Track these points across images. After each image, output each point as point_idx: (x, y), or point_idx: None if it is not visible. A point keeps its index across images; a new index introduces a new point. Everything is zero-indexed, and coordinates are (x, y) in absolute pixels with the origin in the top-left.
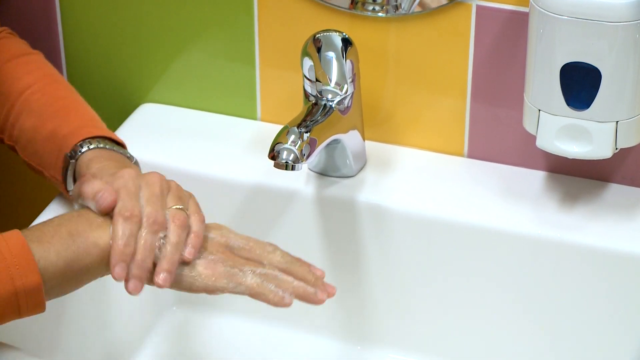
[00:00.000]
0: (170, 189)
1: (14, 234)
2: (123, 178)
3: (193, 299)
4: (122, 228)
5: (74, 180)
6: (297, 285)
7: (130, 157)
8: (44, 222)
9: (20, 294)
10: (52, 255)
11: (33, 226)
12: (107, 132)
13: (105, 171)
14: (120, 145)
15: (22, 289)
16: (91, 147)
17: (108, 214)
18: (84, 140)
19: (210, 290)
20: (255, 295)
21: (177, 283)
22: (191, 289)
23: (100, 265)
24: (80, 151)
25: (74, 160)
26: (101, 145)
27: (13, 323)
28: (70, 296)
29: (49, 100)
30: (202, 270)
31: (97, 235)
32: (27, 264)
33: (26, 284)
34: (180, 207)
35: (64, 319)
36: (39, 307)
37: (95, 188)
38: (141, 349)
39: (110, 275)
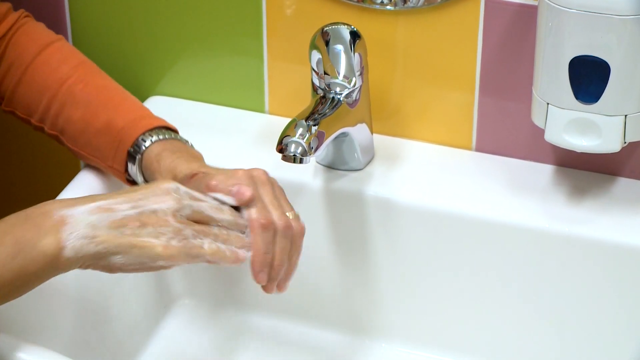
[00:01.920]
0: (276, 187)
1: None
2: (240, 179)
3: (201, 293)
4: (262, 237)
5: (141, 172)
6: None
7: (186, 142)
8: None
9: None
10: None
11: None
12: (161, 121)
13: (190, 165)
14: (174, 131)
15: None
16: (153, 140)
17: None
18: (143, 133)
19: (169, 266)
20: (213, 262)
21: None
22: (151, 268)
23: (50, 270)
24: (144, 146)
25: (139, 155)
26: (161, 137)
27: (19, 318)
28: (78, 290)
29: (93, 91)
30: (161, 251)
31: (45, 242)
32: None
33: None
34: (295, 214)
35: (72, 312)
36: None
37: (228, 183)
38: (150, 342)
39: (114, 271)
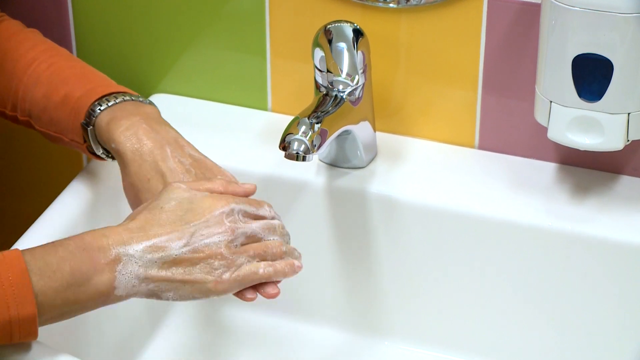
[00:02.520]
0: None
1: (15, 258)
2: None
3: None
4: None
5: (97, 143)
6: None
7: (143, 101)
8: (48, 249)
9: (14, 323)
10: (51, 292)
11: (36, 251)
12: (119, 87)
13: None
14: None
15: (17, 318)
16: (102, 108)
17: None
18: (96, 100)
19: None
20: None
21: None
22: (205, 298)
23: (100, 304)
24: (94, 115)
25: (91, 127)
26: (111, 103)
27: None
28: None
29: (56, 70)
30: (212, 287)
31: (99, 280)
32: (25, 294)
33: (21, 314)
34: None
35: None
36: (32, 336)
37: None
38: (152, 340)
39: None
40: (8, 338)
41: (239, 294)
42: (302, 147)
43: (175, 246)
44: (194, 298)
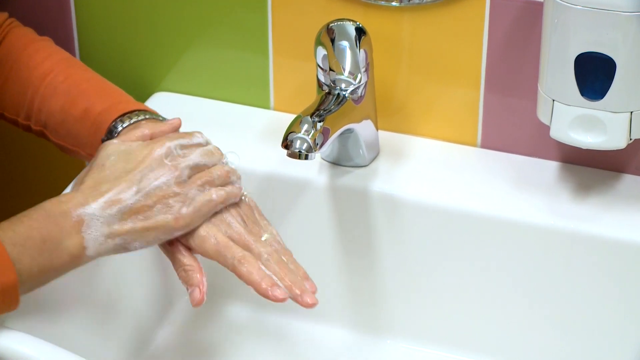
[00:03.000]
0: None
1: None
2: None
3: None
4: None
5: None
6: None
7: (163, 120)
8: (13, 221)
9: None
10: (27, 259)
11: (3, 225)
12: (139, 105)
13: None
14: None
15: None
16: (125, 125)
17: None
18: (119, 117)
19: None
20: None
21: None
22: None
23: (73, 266)
24: (116, 132)
25: None
26: (133, 120)
27: (27, 311)
28: (83, 285)
29: (74, 82)
30: (174, 224)
31: (69, 243)
32: (2, 262)
33: (3, 282)
34: (268, 236)
35: (77, 307)
36: (14, 304)
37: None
38: (153, 337)
39: (122, 264)
40: None
41: (266, 293)
42: (305, 146)
43: (128, 196)
44: (160, 241)
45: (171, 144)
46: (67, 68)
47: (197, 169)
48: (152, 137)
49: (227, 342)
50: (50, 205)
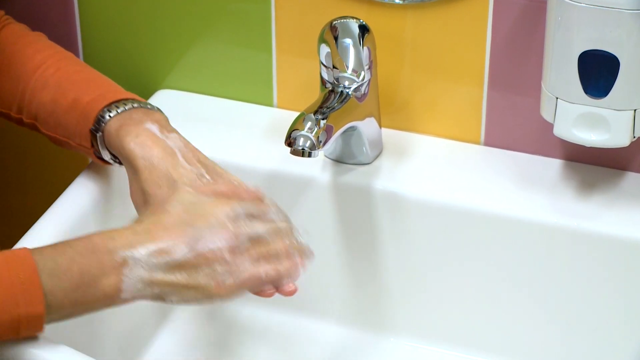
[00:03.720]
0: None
1: (25, 257)
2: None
3: None
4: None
5: (106, 149)
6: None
7: (151, 108)
8: (57, 250)
9: (23, 320)
10: (59, 293)
11: (45, 251)
12: (128, 94)
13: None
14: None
15: (25, 316)
16: (112, 114)
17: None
18: (106, 106)
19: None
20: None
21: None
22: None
23: (106, 306)
24: (103, 122)
25: (100, 133)
26: (120, 110)
27: None
28: None
29: (65, 74)
30: (215, 292)
31: (106, 283)
32: (34, 293)
33: (29, 312)
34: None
35: None
36: (38, 331)
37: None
38: (157, 335)
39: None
40: (15, 333)
41: (259, 291)
42: (308, 143)
43: (180, 250)
44: (197, 302)
45: (240, 209)
46: (59, 61)
47: (258, 241)
48: (226, 195)
49: (229, 340)
50: (98, 240)
